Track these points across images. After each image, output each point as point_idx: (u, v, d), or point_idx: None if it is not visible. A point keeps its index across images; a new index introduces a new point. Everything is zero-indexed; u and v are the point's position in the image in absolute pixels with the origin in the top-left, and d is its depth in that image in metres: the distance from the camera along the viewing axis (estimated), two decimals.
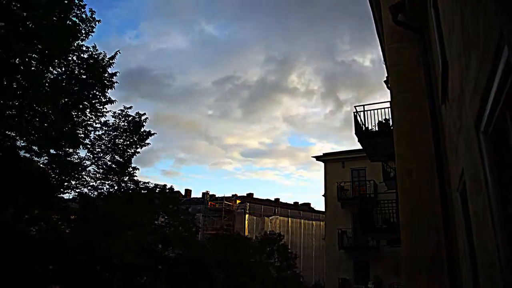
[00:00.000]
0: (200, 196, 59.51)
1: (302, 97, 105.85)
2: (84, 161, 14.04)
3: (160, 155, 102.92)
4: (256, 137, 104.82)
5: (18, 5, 9.80)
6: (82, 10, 11.70)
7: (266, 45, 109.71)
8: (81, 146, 13.47)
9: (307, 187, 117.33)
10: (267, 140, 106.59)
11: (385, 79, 11.78)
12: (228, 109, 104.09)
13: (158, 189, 18.53)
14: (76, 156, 13.68)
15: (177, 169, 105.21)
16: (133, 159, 15.05)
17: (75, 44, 11.90)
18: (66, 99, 12.06)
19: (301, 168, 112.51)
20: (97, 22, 12.15)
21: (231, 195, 59.33)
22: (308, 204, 68.58)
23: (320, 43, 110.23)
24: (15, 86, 10.48)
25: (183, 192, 56.21)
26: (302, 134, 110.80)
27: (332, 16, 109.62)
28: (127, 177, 15.10)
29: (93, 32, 12.18)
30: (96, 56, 12.61)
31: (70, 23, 11.42)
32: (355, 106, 12.35)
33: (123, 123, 14.71)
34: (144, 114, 15.11)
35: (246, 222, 54.20)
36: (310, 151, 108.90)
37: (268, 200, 62.42)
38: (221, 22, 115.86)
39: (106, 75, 12.85)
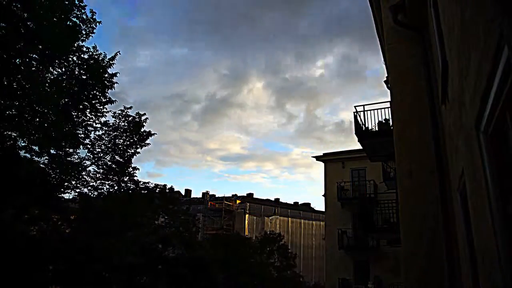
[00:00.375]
0: (200, 196, 59.56)
1: (252, 109, 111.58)
2: (84, 161, 14.06)
3: (140, 157, 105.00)
4: (218, 146, 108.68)
5: (18, 5, 9.80)
6: (83, 11, 11.73)
7: (218, 63, 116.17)
8: (81, 146, 13.49)
9: (296, 188, 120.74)
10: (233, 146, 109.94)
11: (385, 79, 11.78)
12: (184, 122, 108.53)
13: (158, 189, 18.53)
14: (76, 156, 13.71)
15: (158, 170, 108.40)
16: (133, 159, 15.09)
17: (76, 44, 11.91)
18: (66, 99, 12.06)
19: (286, 171, 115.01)
20: (97, 23, 12.18)
21: (231, 195, 59.39)
22: (308, 204, 68.66)
23: (268, 60, 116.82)
24: (15, 86, 10.48)
25: (183, 192, 56.22)
26: (267, 141, 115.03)
27: (275, 35, 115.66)
28: (127, 177, 15.11)
29: (93, 33, 12.23)
30: (96, 57, 12.64)
31: (70, 23, 11.44)
32: (355, 106, 12.36)
33: (123, 123, 14.73)
34: (144, 114, 15.14)
35: (246, 222, 54.22)
36: (290, 155, 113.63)
37: (268, 200, 62.46)
38: (179, 43, 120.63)
39: (106, 75, 12.87)
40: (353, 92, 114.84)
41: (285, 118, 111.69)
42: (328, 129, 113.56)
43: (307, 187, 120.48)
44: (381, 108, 12.02)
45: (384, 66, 10.44)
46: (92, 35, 12.25)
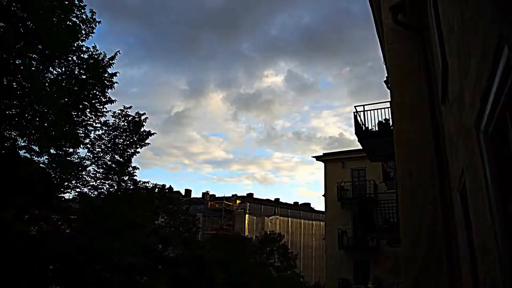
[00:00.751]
0: (200, 196, 59.58)
1: (212, 120, 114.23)
2: (84, 161, 14.04)
3: None
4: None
5: (18, 5, 9.80)
6: (82, 10, 11.71)
7: (177, 79, 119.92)
8: (81, 146, 13.48)
9: (284, 190, 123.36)
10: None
11: (385, 79, 11.78)
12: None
13: (157, 189, 18.53)
14: (76, 156, 13.70)
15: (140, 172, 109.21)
16: (133, 159, 15.07)
17: (75, 44, 11.91)
18: (66, 99, 12.05)
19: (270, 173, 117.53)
20: (97, 23, 12.17)
21: (231, 195, 59.40)
22: (308, 204, 68.66)
23: (222, 76, 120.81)
24: (15, 86, 10.48)
25: (183, 192, 56.22)
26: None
27: (222, 53, 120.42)
28: (127, 177, 15.09)
29: (93, 32, 12.20)
30: (96, 56, 12.62)
31: (70, 23, 11.43)
32: (355, 106, 12.35)
33: (123, 123, 14.72)
34: (144, 114, 15.14)
35: (246, 222, 54.20)
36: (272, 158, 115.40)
37: (268, 200, 62.46)
38: (137, 63, 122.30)
39: (106, 75, 12.86)
40: (306, 103, 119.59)
41: (244, 128, 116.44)
42: (287, 137, 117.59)
43: (295, 188, 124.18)
44: (381, 108, 12.02)
45: (384, 66, 10.45)
46: (92, 34, 12.24)
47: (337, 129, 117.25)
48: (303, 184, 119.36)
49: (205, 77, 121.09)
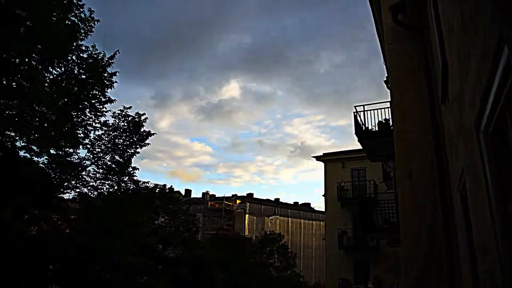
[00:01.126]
0: (200, 196, 59.59)
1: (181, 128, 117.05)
2: (84, 161, 14.03)
3: None
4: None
5: (18, 5, 9.79)
6: (81, 9, 11.66)
7: (144, 93, 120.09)
8: (80, 146, 13.46)
9: (273, 191, 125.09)
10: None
11: (385, 79, 11.78)
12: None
13: (158, 189, 18.53)
14: (76, 156, 13.68)
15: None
16: (133, 159, 15.06)
17: (75, 43, 11.86)
18: (65, 99, 12.04)
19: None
20: (96, 22, 12.10)
21: (231, 195, 59.41)
22: (308, 204, 68.65)
23: (185, 89, 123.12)
24: (14, 86, 10.47)
25: (183, 192, 56.22)
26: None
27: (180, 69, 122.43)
28: (127, 177, 15.08)
29: (92, 31, 12.10)
30: (95, 56, 12.58)
31: (69, 22, 11.38)
32: (355, 106, 12.34)
33: (122, 123, 14.71)
34: (144, 114, 15.13)
35: (246, 222, 54.22)
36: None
37: (268, 200, 62.47)
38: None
39: (105, 74, 12.82)
40: (264, 112, 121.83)
41: (211, 137, 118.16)
42: (249, 146, 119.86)
43: (282, 189, 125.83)
44: (381, 108, 12.02)
45: (384, 66, 10.45)
46: (91, 33, 12.16)
47: (296, 138, 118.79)
48: (287, 185, 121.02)
49: (173, 91, 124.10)
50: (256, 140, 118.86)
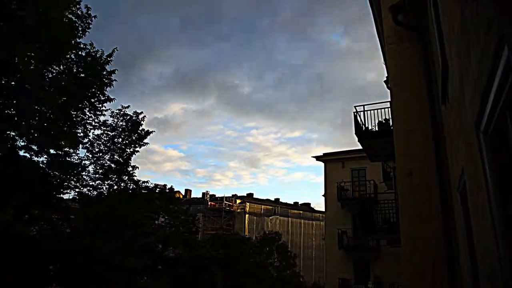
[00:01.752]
0: (200, 196, 59.58)
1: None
2: (83, 161, 14.03)
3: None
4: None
5: (17, 4, 9.77)
6: (78, 6, 11.55)
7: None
8: (80, 146, 13.44)
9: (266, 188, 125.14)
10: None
11: (385, 79, 11.77)
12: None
13: (158, 189, 18.49)
14: (76, 156, 13.66)
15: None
16: (132, 158, 15.04)
17: (73, 41, 11.76)
18: (64, 98, 12.00)
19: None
20: (93, 18, 11.99)
21: (231, 195, 59.40)
22: (308, 204, 68.62)
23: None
24: (14, 85, 10.46)
25: (183, 192, 56.25)
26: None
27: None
28: (126, 177, 15.06)
29: (89, 28, 11.94)
30: (93, 54, 12.50)
31: (66, 20, 11.28)
32: (355, 106, 12.34)
33: (121, 123, 14.68)
34: (142, 113, 15.09)
35: (246, 222, 54.21)
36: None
37: (268, 200, 62.45)
38: None
39: (104, 73, 12.75)
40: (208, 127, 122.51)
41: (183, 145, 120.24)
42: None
43: (282, 189, 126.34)
44: (381, 108, 12.02)
45: (384, 66, 10.44)
46: (88, 30, 11.99)
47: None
48: (287, 185, 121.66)
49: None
50: (217, 149, 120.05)
